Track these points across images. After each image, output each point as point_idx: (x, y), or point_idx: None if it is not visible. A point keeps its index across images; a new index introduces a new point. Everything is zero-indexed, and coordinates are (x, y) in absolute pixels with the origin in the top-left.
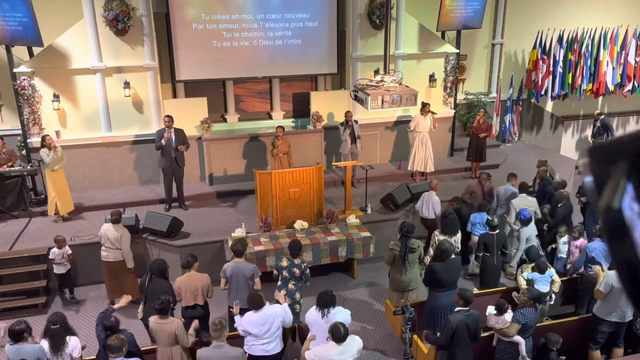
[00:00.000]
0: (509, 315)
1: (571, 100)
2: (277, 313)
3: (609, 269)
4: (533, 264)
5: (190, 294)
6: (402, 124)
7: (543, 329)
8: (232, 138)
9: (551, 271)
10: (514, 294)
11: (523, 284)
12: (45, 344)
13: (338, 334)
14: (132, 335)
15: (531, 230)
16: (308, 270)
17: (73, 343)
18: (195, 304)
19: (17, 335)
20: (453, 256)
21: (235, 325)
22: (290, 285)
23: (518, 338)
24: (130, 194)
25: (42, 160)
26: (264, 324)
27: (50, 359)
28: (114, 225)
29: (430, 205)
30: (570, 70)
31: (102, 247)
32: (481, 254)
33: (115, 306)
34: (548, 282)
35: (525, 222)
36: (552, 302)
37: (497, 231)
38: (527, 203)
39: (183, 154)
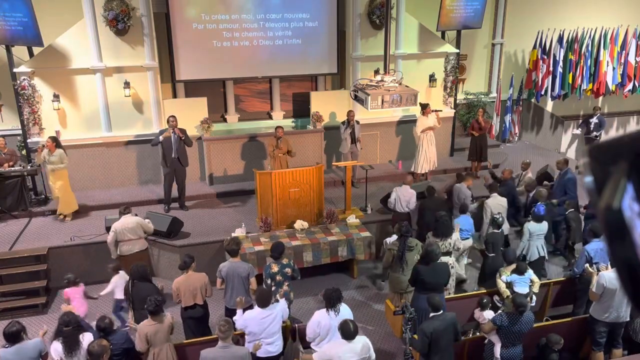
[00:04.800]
0: (489, 313)
1: (571, 100)
2: (277, 312)
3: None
4: (512, 266)
5: (189, 294)
6: (403, 124)
7: (543, 329)
8: (232, 138)
9: (529, 272)
10: (495, 297)
11: (502, 286)
12: (57, 344)
13: (348, 330)
14: (127, 332)
15: (537, 227)
16: (296, 265)
17: (88, 338)
18: (195, 303)
19: (14, 337)
20: (451, 258)
21: (234, 318)
22: (285, 287)
23: (494, 338)
24: (130, 194)
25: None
26: (264, 322)
27: (65, 359)
28: (128, 216)
29: (407, 199)
30: (570, 70)
31: (122, 242)
32: (491, 255)
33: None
34: (527, 283)
35: (537, 218)
36: (532, 304)
37: (501, 230)
38: (499, 202)
39: (186, 153)
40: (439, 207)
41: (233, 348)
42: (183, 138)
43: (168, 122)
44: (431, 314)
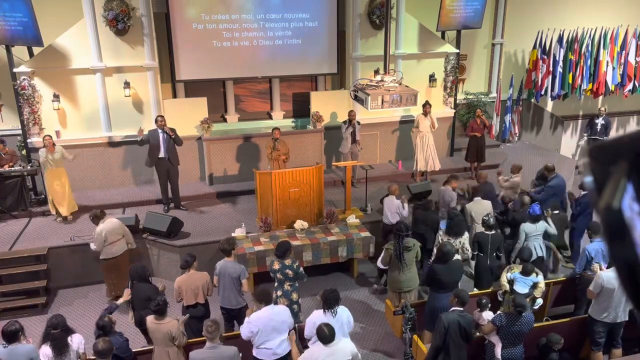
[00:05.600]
0: (487, 314)
1: (571, 100)
2: (282, 313)
3: (607, 268)
4: (520, 265)
5: (191, 293)
6: (403, 124)
7: (543, 329)
8: (232, 138)
9: (537, 277)
10: (499, 292)
11: (504, 280)
12: (46, 348)
13: (323, 335)
14: (127, 340)
15: (533, 227)
16: (302, 269)
17: (77, 340)
18: (197, 302)
19: (12, 336)
20: (458, 257)
21: (240, 327)
22: (286, 286)
23: (495, 339)
24: (130, 194)
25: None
26: (271, 321)
27: None
28: (109, 217)
29: (395, 208)
30: (570, 70)
31: (110, 244)
32: (475, 253)
33: (119, 301)
34: (527, 285)
35: (533, 218)
36: (535, 307)
37: (493, 232)
38: (483, 206)
39: (176, 153)
40: (429, 223)
41: (221, 348)
42: (173, 137)
43: (156, 122)
44: (453, 308)
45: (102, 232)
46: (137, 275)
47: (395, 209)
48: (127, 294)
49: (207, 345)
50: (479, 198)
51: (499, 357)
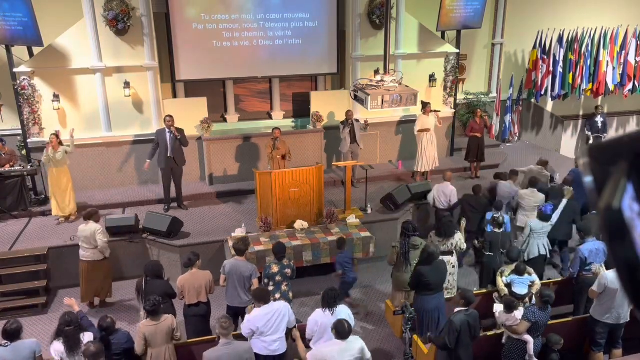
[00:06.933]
0: (519, 313)
1: (571, 100)
2: (281, 310)
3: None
4: (513, 266)
5: (194, 292)
6: (403, 124)
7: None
8: (232, 138)
9: (532, 276)
10: (495, 295)
11: (501, 285)
12: (58, 344)
13: (342, 330)
14: (129, 333)
15: (540, 225)
16: (294, 265)
17: (88, 338)
18: (199, 301)
19: (15, 334)
20: (452, 258)
21: (240, 325)
22: (284, 287)
23: (527, 337)
24: (130, 194)
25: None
26: (269, 319)
27: (67, 358)
28: (91, 223)
29: (448, 195)
30: (570, 70)
31: (80, 248)
32: (487, 253)
33: (77, 310)
34: (526, 284)
35: (544, 217)
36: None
37: (502, 230)
38: (536, 198)
39: (182, 153)
40: (480, 207)
41: (235, 344)
42: (179, 137)
43: (165, 121)
44: (459, 308)
45: (78, 233)
46: (151, 272)
47: (448, 196)
48: (73, 303)
49: (221, 342)
50: (535, 190)
51: (532, 353)
